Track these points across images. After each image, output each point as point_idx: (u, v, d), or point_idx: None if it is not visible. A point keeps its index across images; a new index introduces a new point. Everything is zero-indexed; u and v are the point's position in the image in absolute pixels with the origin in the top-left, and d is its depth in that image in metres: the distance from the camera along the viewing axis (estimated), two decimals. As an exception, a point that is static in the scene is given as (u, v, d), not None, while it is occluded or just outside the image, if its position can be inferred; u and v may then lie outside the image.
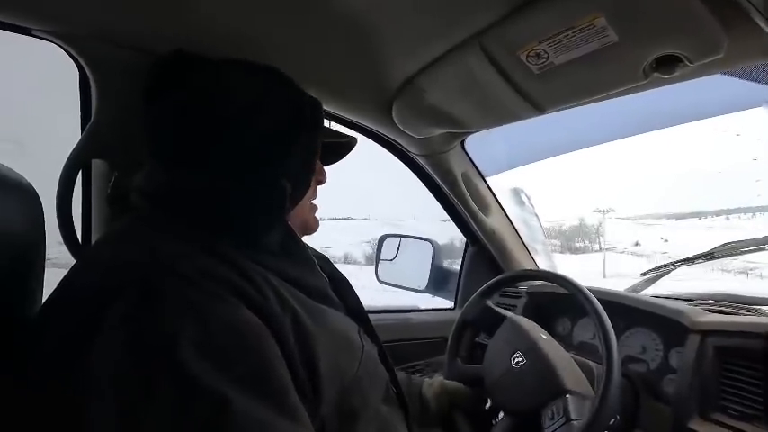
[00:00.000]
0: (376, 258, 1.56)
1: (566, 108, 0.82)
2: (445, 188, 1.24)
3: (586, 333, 1.07)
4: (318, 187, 0.67)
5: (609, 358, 0.74)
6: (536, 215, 1.54)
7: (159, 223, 0.50)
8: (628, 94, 0.75)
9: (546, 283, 1.07)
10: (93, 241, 0.78)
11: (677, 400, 0.79)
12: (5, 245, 0.45)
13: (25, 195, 0.51)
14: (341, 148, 0.72)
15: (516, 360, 0.84)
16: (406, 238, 1.57)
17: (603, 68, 0.67)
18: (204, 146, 0.52)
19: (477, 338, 1.04)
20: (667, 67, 0.63)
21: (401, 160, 1.21)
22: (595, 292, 0.89)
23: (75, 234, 0.74)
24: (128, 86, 0.71)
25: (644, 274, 1.24)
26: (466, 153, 1.20)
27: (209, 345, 0.37)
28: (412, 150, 1.15)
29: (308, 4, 0.66)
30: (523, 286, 1.20)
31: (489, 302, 0.99)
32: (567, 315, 1.11)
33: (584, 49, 0.63)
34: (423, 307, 1.47)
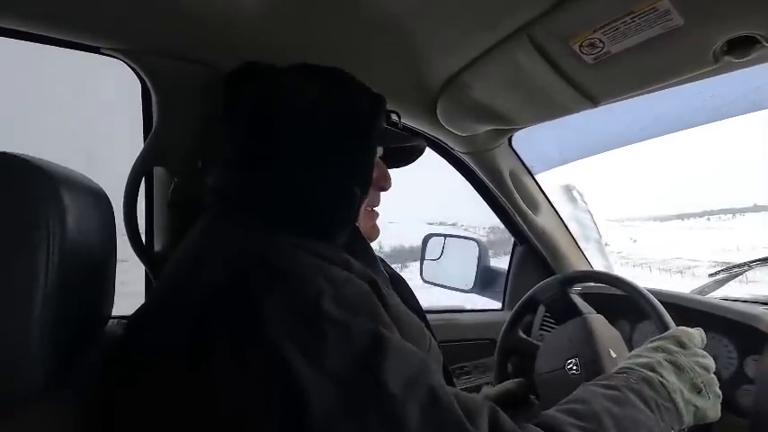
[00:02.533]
0: (421, 258, 1.56)
1: (623, 99, 0.77)
2: (492, 186, 1.21)
3: (647, 337, 1.00)
4: None
5: None
6: (589, 212, 1.47)
7: (243, 222, 0.53)
8: (695, 80, 0.69)
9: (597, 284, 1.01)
10: (155, 243, 0.83)
11: (756, 413, 0.73)
12: (84, 247, 0.49)
13: (100, 201, 0.55)
14: (408, 152, 0.70)
15: (570, 366, 0.80)
16: (450, 238, 1.55)
17: (667, 55, 0.62)
18: (274, 150, 0.54)
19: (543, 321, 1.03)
20: (742, 49, 0.58)
21: (446, 159, 1.20)
22: (658, 294, 0.84)
23: (140, 236, 0.79)
24: (186, 97, 0.76)
25: (712, 275, 1.15)
26: (513, 150, 1.17)
27: (343, 299, 0.42)
28: (457, 149, 1.13)
29: (349, 7, 0.67)
30: (577, 287, 1.14)
31: (571, 291, 0.93)
32: (625, 318, 1.05)
33: (645, 35, 0.59)
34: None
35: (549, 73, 0.71)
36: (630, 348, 0.99)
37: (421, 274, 1.52)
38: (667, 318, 0.77)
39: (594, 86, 0.74)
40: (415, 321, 0.56)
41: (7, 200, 0.42)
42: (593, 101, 0.77)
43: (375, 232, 0.65)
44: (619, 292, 0.90)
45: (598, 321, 0.84)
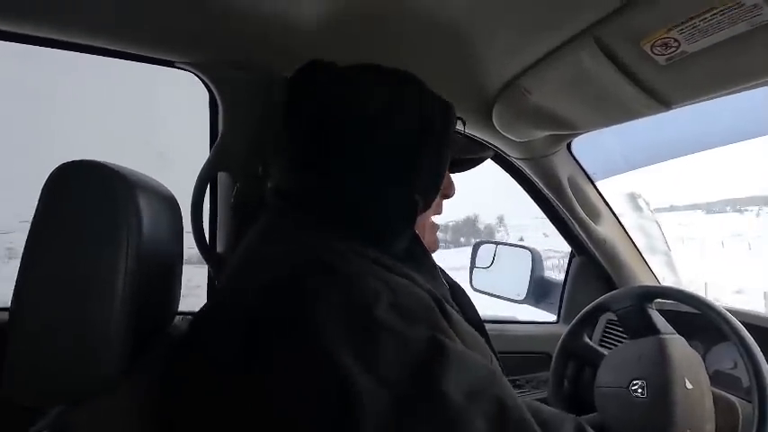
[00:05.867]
0: (471, 266, 1.53)
1: (699, 101, 0.71)
2: (549, 194, 1.16)
3: (725, 362, 0.92)
4: None
5: (762, 396, 0.63)
6: (656, 222, 1.37)
7: (302, 222, 0.52)
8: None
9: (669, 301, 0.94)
10: (218, 244, 0.88)
11: None
12: (156, 246, 0.52)
13: (170, 205, 0.59)
14: (469, 159, 0.69)
15: (635, 387, 0.75)
16: (502, 246, 1.51)
17: (754, 53, 0.56)
18: (338, 152, 0.53)
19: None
20: None
21: (500, 165, 1.17)
22: (739, 314, 0.77)
23: (205, 238, 0.84)
24: (250, 106, 0.80)
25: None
26: (572, 155, 1.12)
27: (400, 306, 0.40)
28: (513, 155, 1.10)
29: (405, 13, 0.67)
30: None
31: (650, 306, 0.86)
32: (697, 338, 0.96)
33: (728, 33, 0.54)
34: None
35: (616, 76, 0.67)
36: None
37: (471, 282, 1.49)
38: (750, 341, 0.70)
39: (667, 89, 0.69)
40: (477, 338, 0.53)
41: (94, 203, 0.46)
42: (664, 104, 0.72)
43: (436, 245, 0.63)
44: (692, 309, 0.83)
45: (677, 344, 0.77)
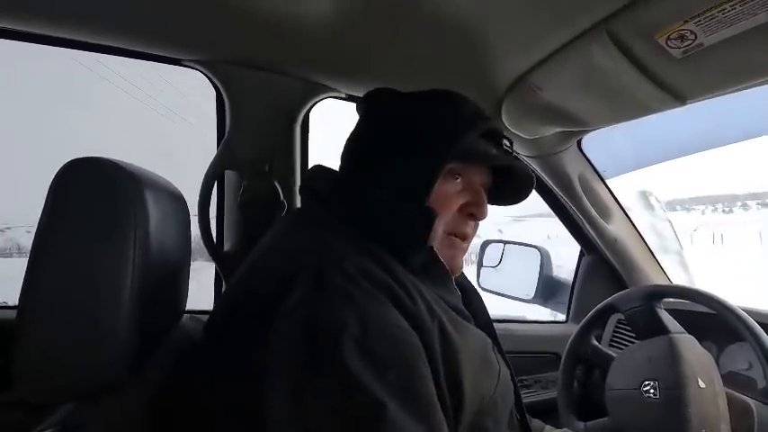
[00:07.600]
0: (478, 264, 1.52)
1: (715, 96, 0.69)
2: (559, 192, 1.14)
3: (739, 362, 0.90)
4: None
5: None
6: (669, 221, 1.35)
7: (328, 222, 0.54)
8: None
9: (682, 300, 0.92)
10: (225, 242, 0.87)
11: None
12: (164, 244, 0.52)
13: (178, 203, 0.58)
14: (514, 190, 0.65)
15: (647, 388, 0.74)
16: (510, 245, 1.50)
17: (775, 45, 0.55)
18: (367, 165, 0.56)
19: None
20: None
21: (508, 163, 1.15)
22: (754, 313, 0.75)
23: (212, 236, 0.83)
24: (257, 104, 0.79)
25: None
26: (583, 153, 1.10)
27: (367, 345, 0.38)
28: (522, 152, 1.08)
29: (417, 9, 0.66)
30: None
31: (658, 306, 0.85)
32: (710, 339, 0.95)
33: (748, 24, 0.52)
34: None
35: (629, 70, 0.65)
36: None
37: (478, 280, 1.48)
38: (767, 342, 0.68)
39: (682, 83, 0.67)
40: (483, 353, 0.53)
41: (101, 199, 0.45)
42: (680, 99, 0.70)
43: (455, 264, 0.59)
44: (705, 309, 0.82)
45: (687, 343, 0.76)
